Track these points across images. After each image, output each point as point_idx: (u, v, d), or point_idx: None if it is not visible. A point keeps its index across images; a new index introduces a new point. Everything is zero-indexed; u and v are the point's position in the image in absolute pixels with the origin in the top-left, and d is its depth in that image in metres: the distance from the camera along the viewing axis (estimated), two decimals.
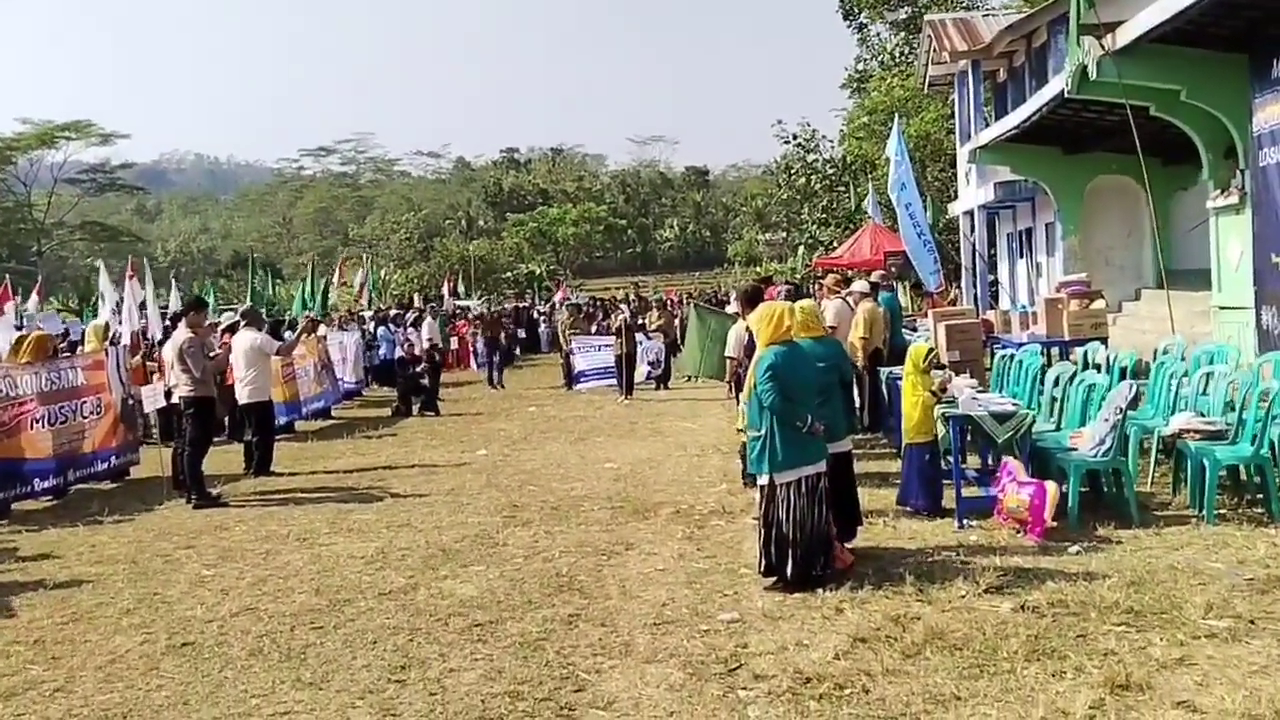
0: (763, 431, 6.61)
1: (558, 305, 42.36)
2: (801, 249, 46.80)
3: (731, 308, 12.25)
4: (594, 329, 24.89)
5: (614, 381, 20.08)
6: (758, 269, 70.47)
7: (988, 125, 22.60)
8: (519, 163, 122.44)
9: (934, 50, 24.79)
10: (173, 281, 25.43)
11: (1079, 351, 11.89)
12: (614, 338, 19.97)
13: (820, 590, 6.46)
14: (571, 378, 21.75)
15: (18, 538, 9.49)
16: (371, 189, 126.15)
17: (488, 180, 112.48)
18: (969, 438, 9.06)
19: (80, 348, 15.42)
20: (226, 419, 15.35)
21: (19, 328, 18.66)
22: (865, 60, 41.27)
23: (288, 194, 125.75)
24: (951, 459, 8.29)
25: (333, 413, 18.63)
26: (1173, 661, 5.13)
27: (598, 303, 36.20)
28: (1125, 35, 12.54)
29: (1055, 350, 13.96)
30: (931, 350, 8.57)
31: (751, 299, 8.39)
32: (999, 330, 16.80)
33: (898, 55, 38.70)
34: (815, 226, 39.83)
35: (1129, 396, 7.86)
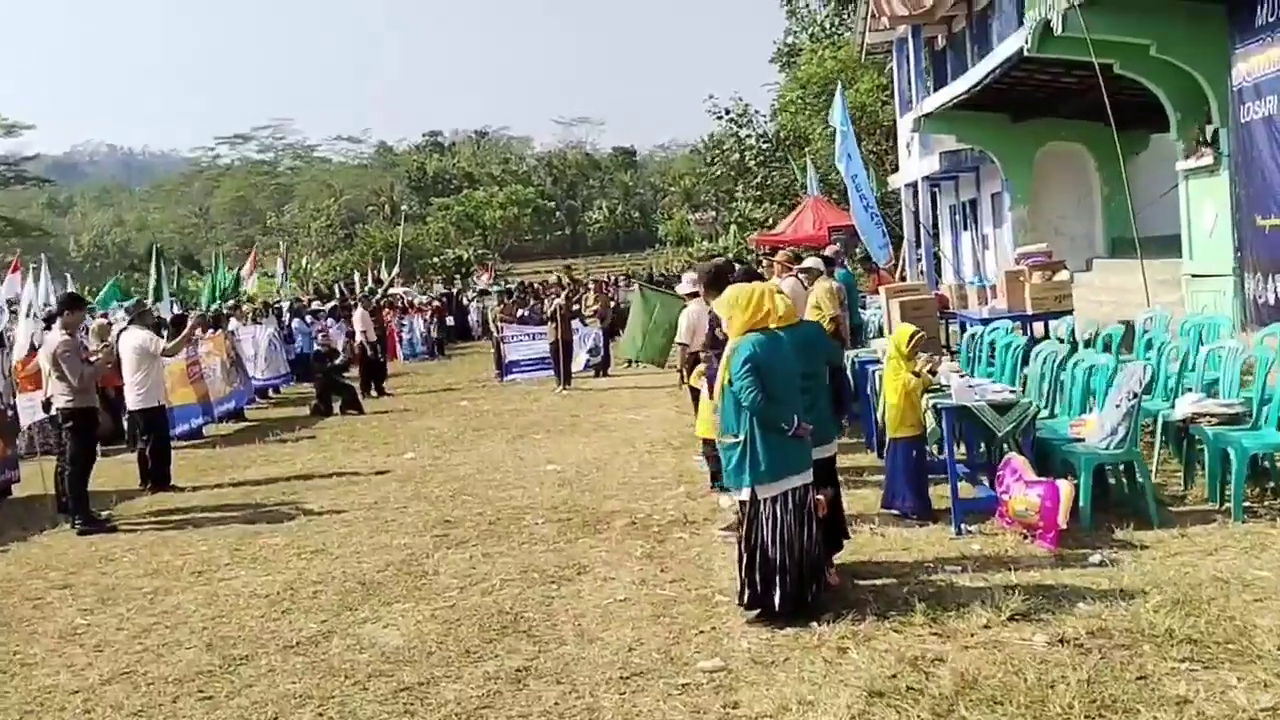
0: (741, 437, 5.53)
1: (486, 288, 41.05)
2: (734, 228, 45.96)
3: (683, 288, 11.13)
4: (524, 314, 23.69)
5: (549, 372, 18.93)
6: (689, 249, 69.66)
7: (929, 94, 21.80)
8: (443, 146, 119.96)
9: (872, 16, 23.88)
10: (67, 278, 23.61)
11: (1058, 327, 11.00)
12: (548, 324, 18.82)
13: (814, 624, 5.42)
14: (503, 368, 20.58)
15: None
16: (291, 176, 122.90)
17: (410, 164, 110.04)
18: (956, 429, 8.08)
19: None
20: (126, 426, 13.98)
21: None
22: (795, 33, 40.41)
23: (204, 183, 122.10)
24: (945, 454, 7.30)
25: (246, 413, 17.24)
26: (1263, 712, 4.18)
27: (529, 287, 34.90)
28: None
29: (1031, 326, 13.11)
30: (916, 332, 7.56)
31: (716, 280, 7.30)
32: (955, 306, 15.95)
33: (828, 27, 37.88)
34: (749, 204, 38.95)
35: (1144, 379, 6.93)
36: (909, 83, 23.61)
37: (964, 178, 23.36)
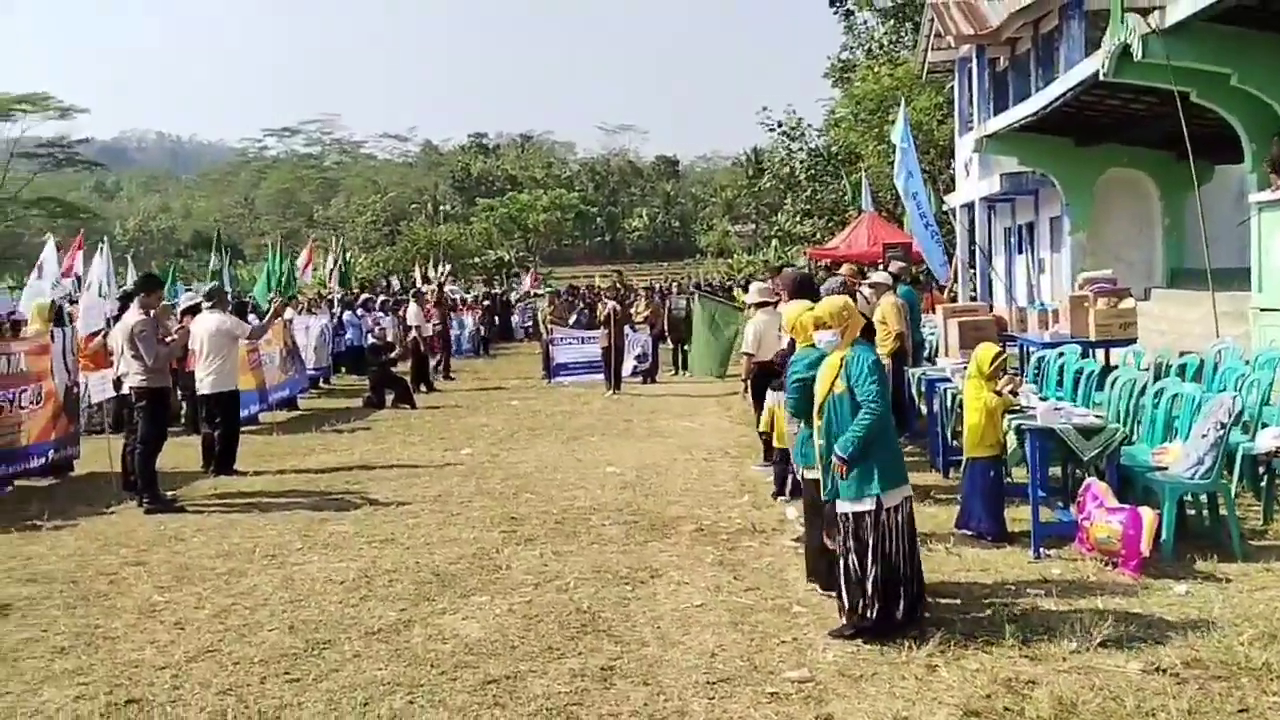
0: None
1: (530, 293, 41.20)
2: (775, 242, 45.83)
3: (750, 298, 11.12)
4: (573, 319, 23.73)
5: (597, 376, 18.96)
6: (729, 261, 69.58)
7: (990, 114, 21.65)
8: (487, 148, 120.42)
9: (936, 35, 23.79)
10: (128, 260, 23.93)
11: (1126, 355, 10.89)
12: (600, 330, 18.84)
13: (900, 640, 5.38)
14: (551, 369, 20.63)
15: None
16: (337, 171, 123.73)
17: (455, 164, 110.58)
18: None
19: (24, 328, 14.04)
20: (184, 408, 14.12)
21: None
22: (851, 49, 40.29)
23: (250, 174, 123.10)
24: (1026, 475, 7.23)
25: (299, 403, 17.38)
26: None
27: (577, 291, 34.99)
28: (1176, 12, 11.58)
29: (1095, 352, 13.00)
30: (1000, 353, 7.51)
31: (802, 289, 7.28)
32: (1014, 329, 15.82)
33: (885, 44, 37.74)
34: (796, 218, 38.87)
35: (1233, 411, 6.84)
36: (971, 102, 23.47)
37: (1022, 200, 23.17)
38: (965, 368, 8.32)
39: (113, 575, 7.29)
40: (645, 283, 42.93)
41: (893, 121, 29.07)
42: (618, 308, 18.41)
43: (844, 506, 5.56)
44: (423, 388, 18.97)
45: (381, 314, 23.68)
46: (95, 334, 12.33)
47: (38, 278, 14.16)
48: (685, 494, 9.48)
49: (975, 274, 23.28)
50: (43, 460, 10.88)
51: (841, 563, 5.54)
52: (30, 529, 8.77)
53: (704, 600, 6.29)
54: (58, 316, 12.72)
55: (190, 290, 17.19)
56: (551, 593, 6.52)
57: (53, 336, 11.46)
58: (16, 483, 10.59)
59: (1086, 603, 5.89)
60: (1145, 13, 12.31)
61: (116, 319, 10.98)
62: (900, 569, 5.47)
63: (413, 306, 20.42)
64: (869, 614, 5.46)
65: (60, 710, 4.91)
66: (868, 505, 5.50)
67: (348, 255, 36.03)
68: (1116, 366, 10.66)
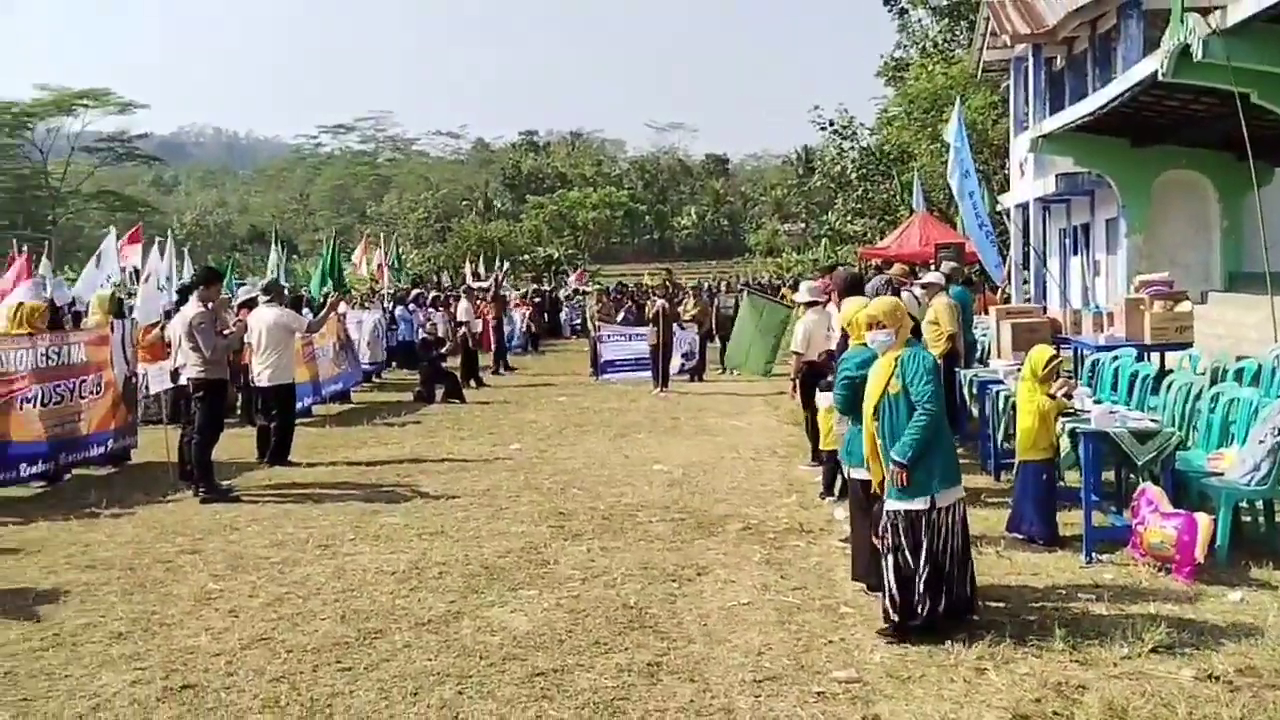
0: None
1: (576, 290, 41.32)
2: (825, 241, 45.62)
3: (800, 297, 11.08)
4: (621, 317, 23.79)
5: (644, 373, 19.00)
6: (778, 260, 69.37)
7: (1046, 114, 21.39)
8: (538, 145, 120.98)
9: (991, 34, 23.54)
10: (185, 254, 24.32)
11: (1182, 359, 10.72)
12: (648, 327, 18.87)
13: (948, 642, 5.36)
14: (598, 366, 20.71)
15: (2, 531, 8.44)
16: (389, 167, 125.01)
17: (506, 162, 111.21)
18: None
19: (84, 319, 14.34)
20: (239, 399, 14.35)
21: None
22: (905, 47, 39.96)
23: (305, 170, 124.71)
24: (1080, 479, 7.16)
25: (352, 396, 17.59)
26: None
27: (625, 289, 35.09)
28: (1237, 13, 11.37)
29: (1150, 356, 12.81)
30: (1054, 356, 7.44)
31: (854, 289, 7.26)
32: (1068, 331, 15.63)
33: (939, 43, 37.39)
34: (848, 217, 38.66)
35: None
36: (1026, 102, 23.21)
37: (1077, 201, 22.86)
38: (1018, 370, 8.25)
39: (169, 563, 7.44)
40: (694, 281, 42.93)
41: (946, 120, 28.80)
42: (666, 306, 18.42)
43: (897, 504, 5.53)
44: (472, 383, 19.13)
45: (432, 309, 23.89)
46: (153, 326, 12.57)
47: (96, 268, 14.44)
48: (732, 492, 9.49)
49: (1029, 275, 23.00)
50: (102, 449, 11.11)
51: (890, 560, 5.52)
52: (89, 517, 8.96)
53: (751, 599, 6.30)
54: (117, 308, 12.97)
55: (245, 284, 17.43)
56: (599, 588, 6.56)
57: (112, 327, 11.69)
58: (75, 471, 10.83)
59: (1138, 608, 5.83)
60: (1205, 12, 12.08)
61: (174, 311, 11.18)
62: (946, 569, 5.45)
63: (463, 302, 20.61)
64: (919, 610, 5.44)
65: (118, 694, 5.03)
66: (921, 504, 5.48)
67: (398, 251, 36.38)
68: (1172, 370, 10.51)
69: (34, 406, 10.00)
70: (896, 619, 5.47)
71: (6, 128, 77.97)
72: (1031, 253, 22.55)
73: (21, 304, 10.80)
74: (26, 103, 77.08)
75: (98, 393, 10.99)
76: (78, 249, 75.72)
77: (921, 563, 5.45)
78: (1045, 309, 19.64)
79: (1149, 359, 13.16)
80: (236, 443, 11.94)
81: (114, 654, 5.57)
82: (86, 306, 15.11)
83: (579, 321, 32.27)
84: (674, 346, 19.63)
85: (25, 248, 17.99)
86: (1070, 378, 8.19)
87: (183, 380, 10.22)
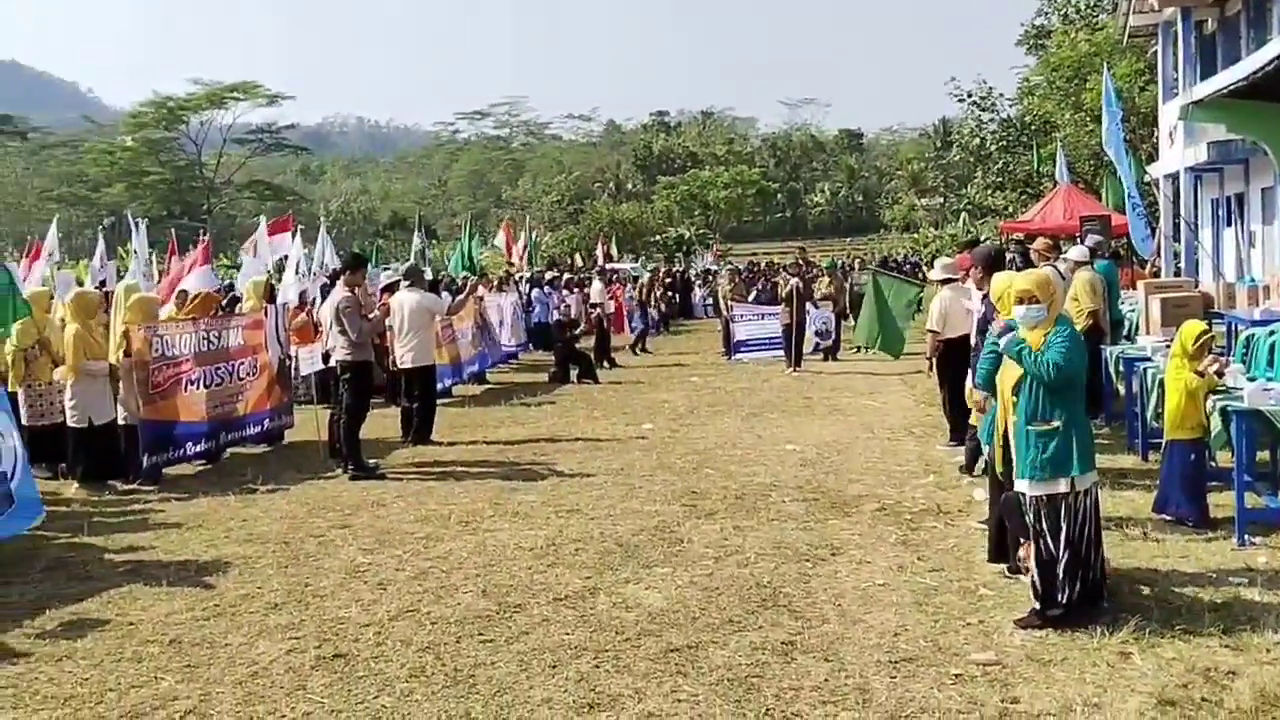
0: (1058, 423, 5.33)
1: (717, 268, 41.29)
2: (964, 215, 44.46)
3: (935, 274, 10.88)
4: (753, 296, 23.72)
5: (777, 353, 18.92)
6: (915, 235, 67.94)
7: (1197, 80, 20.36)
8: (669, 126, 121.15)
9: None
10: (327, 241, 25.21)
11: None
12: (781, 306, 18.77)
13: (1092, 626, 5.23)
14: (731, 346, 20.70)
15: (168, 506, 8.95)
16: (523, 152, 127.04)
17: (637, 143, 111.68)
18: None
19: (240, 305, 15.03)
20: (384, 381, 14.83)
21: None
22: (1046, 14, 38.59)
23: (443, 156, 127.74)
24: (1232, 459, 6.87)
25: (488, 377, 18.01)
26: None
27: (757, 268, 34.93)
28: None
29: None
30: (1205, 331, 7.15)
31: (996, 264, 7.14)
32: (1221, 305, 14.94)
33: (1083, 8, 35.98)
34: (988, 191, 37.59)
35: None
36: (1175, 67, 22.15)
37: (1230, 170, 21.75)
38: (1167, 346, 7.96)
39: (321, 537, 7.78)
40: (827, 259, 42.45)
41: (1090, 89, 27.69)
42: (800, 284, 18.29)
43: (1038, 489, 5.40)
44: (606, 363, 19.36)
45: (566, 291, 24.24)
46: (300, 309, 13.10)
47: (253, 257, 15.11)
48: (867, 472, 9.41)
49: (1180, 248, 22.01)
50: (259, 428, 11.66)
51: (1033, 546, 5.41)
52: (247, 493, 9.42)
53: (886, 580, 6.26)
54: (270, 293, 13.55)
55: (388, 269, 18.00)
56: (732, 567, 6.61)
57: (266, 313, 12.24)
58: (232, 450, 11.39)
59: None
60: None
61: (323, 297, 11.64)
62: (1083, 553, 5.32)
63: (596, 284, 20.83)
64: (1060, 598, 5.32)
65: (274, 662, 5.31)
66: (1062, 487, 5.35)
67: (533, 234, 37.01)
68: None
69: (198, 388, 10.57)
70: (1039, 606, 5.36)
71: (163, 122, 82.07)
72: (1182, 224, 21.54)
73: (190, 293, 11.39)
74: (181, 97, 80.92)
75: (254, 375, 11.53)
76: (231, 237, 79.27)
77: (1061, 547, 5.32)
78: (1196, 283, 18.79)
79: None
80: (382, 423, 12.36)
81: (270, 624, 5.88)
82: (242, 294, 15.82)
83: (711, 301, 32.26)
84: (807, 325, 19.49)
85: (206, 234, 18.96)
86: (1222, 354, 7.85)
87: (332, 362, 10.65)
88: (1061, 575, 5.32)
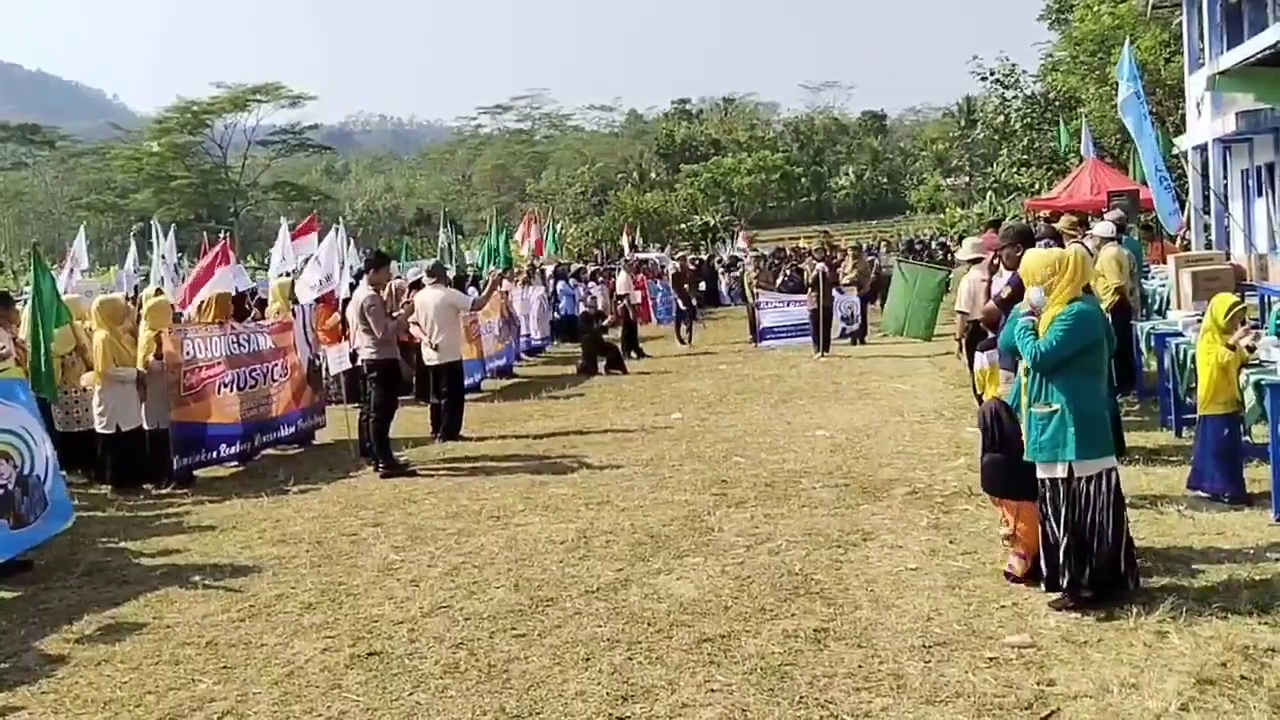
0: (1055, 406, 5.31)
1: (745, 254, 41.17)
2: (990, 194, 44.11)
3: (963, 254, 10.81)
4: (780, 282, 23.62)
5: (804, 340, 18.86)
6: (941, 216, 67.42)
7: (1223, 50, 20.07)
8: (691, 113, 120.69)
9: None
10: (352, 240, 25.35)
11: None
12: (808, 292, 18.69)
13: (1128, 606, 5.19)
14: (758, 333, 20.64)
15: (201, 509, 9.04)
16: (546, 144, 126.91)
17: (659, 132, 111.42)
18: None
19: (267, 306, 15.12)
20: (413, 379, 14.90)
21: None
22: None
23: (466, 151, 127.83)
24: (1267, 433, 6.78)
25: (515, 370, 18.06)
26: None
27: (783, 254, 34.78)
28: None
29: None
30: (1237, 304, 7.06)
31: (1026, 242, 7.09)
32: (1253, 278, 14.76)
33: None
34: (1013, 169, 37.28)
35: None
36: (1201, 37, 21.86)
37: (1260, 140, 21.42)
38: (1198, 320, 7.87)
39: (353, 535, 7.83)
40: (853, 242, 42.18)
41: (1115, 63, 27.34)
42: (825, 269, 18.21)
43: (1040, 471, 5.41)
44: (633, 354, 19.36)
45: (592, 283, 24.26)
46: (329, 309, 13.15)
47: (281, 260, 15.19)
48: (897, 457, 9.36)
49: (1210, 220, 21.73)
50: (291, 429, 11.75)
51: (1041, 527, 5.42)
52: (279, 493, 9.49)
53: (918, 564, 6.23)
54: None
55: (414, 266, 18.05)
56: (763, 555, 6.60)
57: (294, 314, 12.32)
58: (264, 451, 11.48)
59: None
60: None
61: (348, 297, 11.68)
62: (1090, 541, 5.27)
63: (622, 275, 20.83)
64: (1061, 581, 5.33)
65: (309, 661, 5.35)
66: (1060, 471, 5.33)
67: (558, 226, 37.04)
68: None
69: (230, 391, 10.65)
70: (1044, 586, 5.39)
71: (188, 126, 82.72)
72: (1212, 196, 21.28)
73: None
74: (205, 101, 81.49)
75: (285, 376, 11.61)
76: (258, 239, 79.85)
77: (1061, 531, 5.32)
78: (1228, 255, 18.58)
79: None
80: (411, 420, 12.43)
81: (305, 623, 5.92)
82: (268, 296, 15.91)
83: (738, 288, 32.15)
84: (834, 310, 19.41)
85: (225, 235, 19.04)
86: (1256, 327, 7.74)
87: (359, 361, 10.70)
88: (1062, 560, 5.32)
